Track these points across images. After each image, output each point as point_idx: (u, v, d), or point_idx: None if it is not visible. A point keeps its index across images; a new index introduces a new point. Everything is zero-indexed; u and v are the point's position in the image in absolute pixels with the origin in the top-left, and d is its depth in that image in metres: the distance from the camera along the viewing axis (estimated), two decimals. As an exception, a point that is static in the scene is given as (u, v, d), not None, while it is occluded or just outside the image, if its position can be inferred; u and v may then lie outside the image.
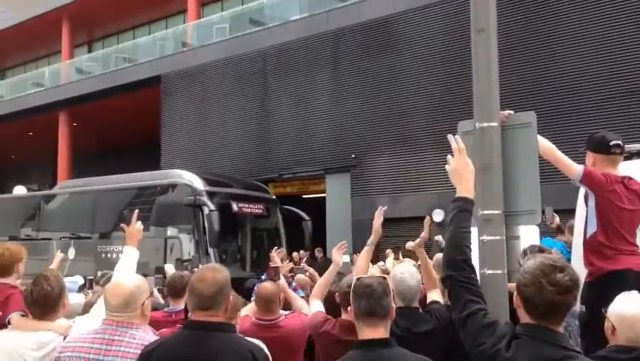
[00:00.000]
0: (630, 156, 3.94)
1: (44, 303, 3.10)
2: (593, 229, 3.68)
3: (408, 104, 16.11)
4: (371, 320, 2.47)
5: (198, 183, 11.77)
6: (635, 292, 3.20)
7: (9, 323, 3.21)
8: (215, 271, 2.59)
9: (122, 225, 3.76)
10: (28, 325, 3.13)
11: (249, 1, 23.31)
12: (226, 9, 23.93)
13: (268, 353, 2.62)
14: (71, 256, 13.16)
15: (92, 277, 6.61)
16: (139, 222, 3.68)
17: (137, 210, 3.79)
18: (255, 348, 2.55)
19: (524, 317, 2.08)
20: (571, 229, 4.79)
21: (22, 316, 3.25)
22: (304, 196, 19.30)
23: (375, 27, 16.99)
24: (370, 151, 16.74)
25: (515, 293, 2.10)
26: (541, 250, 2.24)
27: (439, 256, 5.21)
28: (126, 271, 3.28)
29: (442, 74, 15.45)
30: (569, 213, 5.20)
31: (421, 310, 3.66)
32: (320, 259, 14.64)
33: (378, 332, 2.47)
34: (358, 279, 2.65)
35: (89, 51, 30.89)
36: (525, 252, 3.59)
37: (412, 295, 3.54)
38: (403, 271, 3.61)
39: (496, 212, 3.46)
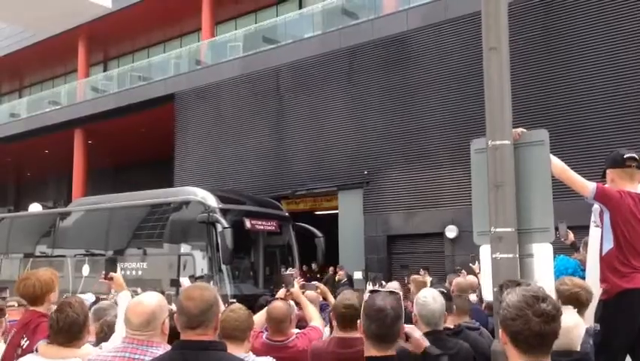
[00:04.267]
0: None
1: (69, 330, 3.11)
2: (609, 245, 3.66)
3: (420, 121, 16.12)
4: (381, 345, 2.50)
5: (212, 201, 11.83)
6: (569, 307, 3.22)
7: (36, 350, 3.21)
8: (203, 290, 2.58)
9: (103, 279, 4.05)
10: (56, 353, 3.13)
11: (262, 20, 23.57)
12: (240, 27, 24.17)
13: None
14: (85, 274, 13.27)
15: (104, 296, 6.65)
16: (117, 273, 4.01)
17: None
18: None
19: (513, 356, 2.02)
20: (586, 246, 4.75)
21: (49, 343, 3.24)
22: (317, 213, 19.30)
23: (389, 44, 17.07)
24: (383, 168, 16.75)
25: (500, 330, 2.06)
26: (517, 284, 2.30)
27: (459, 279, 5.23)
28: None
29: (454, 91, 15.46)
30: (583, 230, 5.16)
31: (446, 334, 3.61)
32: (340, 276, 14.58)
33: (387, 352, 2.50)
34: (371, 298, 2.61)
35: (105, 70, 31.27)
36: (502, 286, 3.58)
37: (435, 319, 3.49)
38: (426, 295, 3.54)
39: (508, 230, 3.46)
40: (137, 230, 13.37)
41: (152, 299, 2.82)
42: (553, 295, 3.54)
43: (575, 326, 3.13)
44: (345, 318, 3.73)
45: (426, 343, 2.81)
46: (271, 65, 19.60)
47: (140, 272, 12.09)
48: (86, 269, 13.31)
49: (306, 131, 18.49)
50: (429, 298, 3.50)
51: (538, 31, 14.35)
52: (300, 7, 23.26)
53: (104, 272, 4.09)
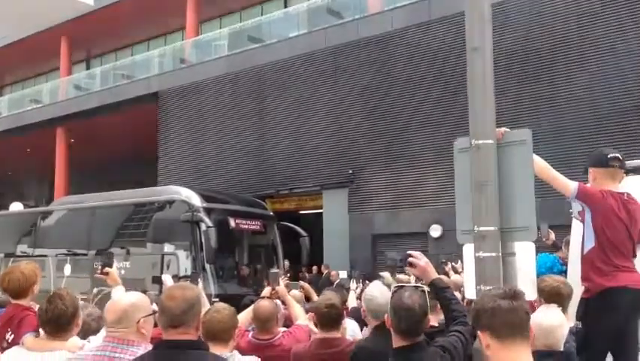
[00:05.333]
0: (628, 172, 3.96)
1: (58, 322, 3.12)
2: (590, 244, 3.70)
3: (405, 121, 16.18)
4: (407, 338, 2.71)
5: (196, 200, 11.76)
6: (553, 306, 3.27)
7: (22, 343, 3.21)
8: (185, 289, 2.58)
9: (99, 274, 4.07)
10: (43, 345, 3.14)
11: (247, 18, 23.49)
12: (224, 26, 24.08)
13: None
14: (67, 273, 13.13)
15: (84, 296, 6.58)
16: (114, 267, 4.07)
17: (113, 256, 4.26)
18: None
19: (495, 351, 2.06)
20: (567, 244, 4.80)
21: (36, 337, 3.25)
22: (301, 212, 19.29)
23: (373, 44, 17.10)
24: (367, 167, 16.78)
25: (480, 334, 2.11)
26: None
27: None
28: None
29: (439, 91, 15.53)
30: (564, 229, 5.21)
31: None
32: (333, 276, 14.56)
33: (415, 340, 2.73)
34: (398, 293, 2.78)
35: (88, 68, 30.99)
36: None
37: (382, 313, 3.56)
38: (372, 290, 3.66)
39: (491, 228, 3.48)
40: (120, 229, 13.24)
41: (127, 297, 2.86)
42: (535, 292, 3.58)
43: (560, 326, 3.16)
44: (327, 318, 3.76)
45: (434, 274, 3.09)
46: (256, 64, 19.56)
47: (122, 272, 11.99)
48: (67, 269, 13.18)
49: (290, 130, 18.47)
50: (375, 292, 3.59)
51: (521, 32, 14.46)
52: (285, 6, 23.23)
53: (100, 265, 4.07)
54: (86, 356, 2.74)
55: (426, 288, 2.90)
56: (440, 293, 3.10)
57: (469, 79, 3.70)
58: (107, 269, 4.01)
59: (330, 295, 4.05)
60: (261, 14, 23.31)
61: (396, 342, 2.73)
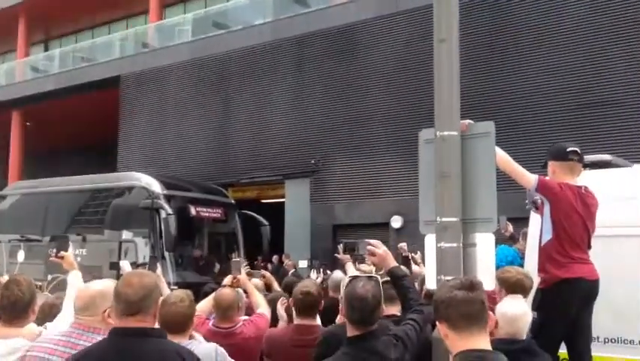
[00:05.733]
0: (586, 166, 4.05)
1: (14, 308, 3.06)
2: (548, 236, 3.77)
3: (369, 111, 16.23)
4: (360, 327, 2.71)
5: (156, 186, 11.59)
6: (519, 296, 3.36)
7: None
8: (142, 276, 2.54)
9: (54, 258, 3.96)
10: None
11: (212, 4, 23.15)
12: (189, 11, 23.69)
13: (199, 358, 2.58)
14: (20, 260, 12.79)
15: (39, 283, 6.41)
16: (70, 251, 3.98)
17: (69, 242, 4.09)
18: (186, 352, 2.50)
19: (453, 341, 2.08)
20: (525, 236, 4.89)
21: None
22: (263, 201, 19.21)
23: (339, 34, 17.08)
24: (330, 157, 16.79)
25: (438, 325, 2.15)
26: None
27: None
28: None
29: (404, 82, 15.62)
30: (522, 221, 5.30)
31: None
32: (288, 266, 14.53)
33: (368, 329, 2.72)
34: (351, 283, 2.77)
35: (46, 50, 30.12)
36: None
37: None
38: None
39: (453, 219, 3.51)
40: (77, 215, 12.98)
41: (96, 285, 2.84)
42: (494, 282, 3.63)
43: (523, 315, 3.21)
44: (304, 305, 3.81)
45: (393, 262, 3.11)
46: (220, 51, 19.32)
47: (79, 259, 11.74)
48: (21, 255, 12.85)
49: (253, 118, 18.34)
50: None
51: (486, 27, 14.65)
52: (252, -8, 22.96)
53: (54, 250, 3.98)
54: (50, 341, 2.73)
55: (379, 277, 2.92)
56: (398, 282, 3.15)
57: (436, 70, 3.71)
58: (62, 253, 3.92)
59: (307, 283, 4.09)
60: (226, 0, 23.00)
61: (350, 331, 2.74)
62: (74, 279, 3.78)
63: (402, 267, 3.45)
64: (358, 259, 5.73)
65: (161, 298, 3.32)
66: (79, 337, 2.68)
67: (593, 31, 13.39)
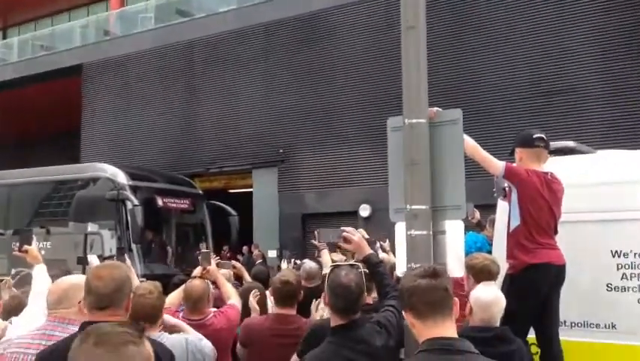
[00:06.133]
0: (552, 152, 4.11)
1: None
2: (515, 222, 3.81)
3: (337, 99, 16.22)
4: (344, 316, 2.74)
5: (122, 177, 11.41)
6: (492, 283, 3.41)
7: None
8: (113, 268, 2.50)
9: (18, 252, 3.93)
10: None
11: (175, -9, 22.75)
12: (151, -2, 23.27)
13: (174, 355, 2.58)
14: (-18, 254, 12.47)
15: (2, 278, 6.24)
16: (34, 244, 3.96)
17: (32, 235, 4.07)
18: (160, 348, 2.45)
19: (420, 331, 2.09)
20: (492, 223, 4.95)
21: None
22: (231, 191, 19.09)
23: (306, 21, 16.98)
24: (298, 146, 16.75)
25: (404, 314, 2.16)
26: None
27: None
28: (44, 288, 3.32)
29: (371, 70, 15.63)
30: (489, 208, 5.36)
31: None
32: (256, 256, 14.46)
33: (352, 318, 2.75)
34: (334, 272, 2.80)
35: (4, 38, 29.29)
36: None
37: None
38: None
39: (423, 207, 3.52)
40: (40, 208, 12.71)
41: (68, 279, 2.86)
42: (463, 269, 3.66)
43: (495, 301, 3.24)
44: (283, 294, 3.81)
45: (368, 250, 3.17)
46: (184, 39, 19.04)
47: (43, 252, 11.48)
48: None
49: (219, 107, 18.16)
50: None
51: (452, 15, 14.75)
52: (216, -21, 22.63)
53: (17, 244, 3.92)
54: (26, 336, 2.72)
55: (362, 267, 2.94)
56: (374, 268, 3.18)
57: (404, 57, 3.70)
58: (26, 247, 3.83)
59: (285, 273, 4.09)
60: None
61: (334, 320, 2.76)
62: (39, 273, 3.73)
63: (376, 254, 3.48)
64: (330, 248, 5.74)
65: None
66: (54, 328, 2.66)
67: (557, 19, 13.60)
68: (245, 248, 15.87)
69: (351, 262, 3.30)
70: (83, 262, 8.37)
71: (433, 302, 2.06)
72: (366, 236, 6.65)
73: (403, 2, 3.79)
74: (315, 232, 5.79)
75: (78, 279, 2.81)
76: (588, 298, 4.03)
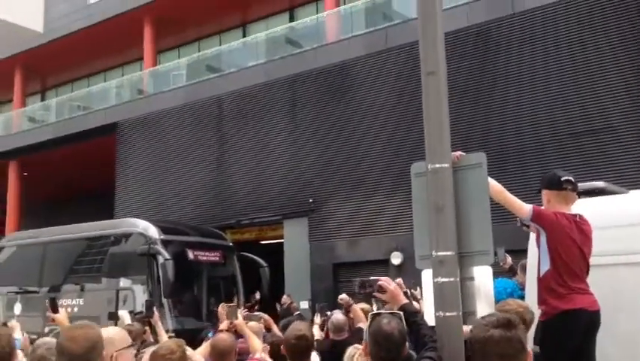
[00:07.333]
0: (581, 194, 4.01)
1: None
2: (546, 267, 3.70)
3: (363, 148, 16.27)
4: None
5: (153, 232, 11.51)
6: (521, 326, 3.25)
7: None
8: (87, 328, 2.48)
9: (51, 316, 4.14)
10: None
11: (205, 48, 23.45)
12: (183, 56, 23.99)
13: None
14: (17, 312, 12.61)
15: (34, 336, 6.28)
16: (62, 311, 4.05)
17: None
18: None
19: None
20: (523, 268, 4.81)
21: None
22: (262, 242, 19.09)
23: (331, 72, 17.24)
24: (327, 195, 16.75)
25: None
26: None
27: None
28: None
29: (397, 118, 15.68)
30: (521, 254, 5.23)
31: None
32: (293, 308, 14.23)
33: None
34: (376, 320, 2.78)
35: (42, 99, 30.39)
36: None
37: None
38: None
39: (449, 253, 3.44)
40: (74, 265, 12.86)
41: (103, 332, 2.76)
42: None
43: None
44: (297, 350, 3.67)
45: (404, 299, 3.11)
46: (214, 94, 19.48)
47: (76, 309, 11.58)
48: (18, 307, 12.67)
49: (249, 160, 18.37)
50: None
51: (474, 59, 14.79)
52: (244, 35, 23.31)
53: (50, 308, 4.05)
54: None
55: (402, 315, 2.90)
56: (411, 318, 3.11)
57: (425, 103, 3.70)
58: (51, 315, 3.93)
59: (300, 326, 3.96)
60: (219, 44, 23.30)
61: None
62: None
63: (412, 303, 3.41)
64: (357, 298, 5.64)
65: (152, 349, 3.25)
66: None
67: (584, 58, 13.49)
68: (284, 298, 15.51)
69: (394, 310, 3.22)
70: (114, 317, 8.39)
71: (507, 355, 1.95)
72: (404, 288, 6.56)
73: (421, 49, 3.82)
74: (355, 282, 5.69)
75: (109, 332, 2.75)
76: (627, 344, 3.85)
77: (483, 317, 2.17)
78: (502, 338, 1.96)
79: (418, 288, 6.17)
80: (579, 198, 3.94)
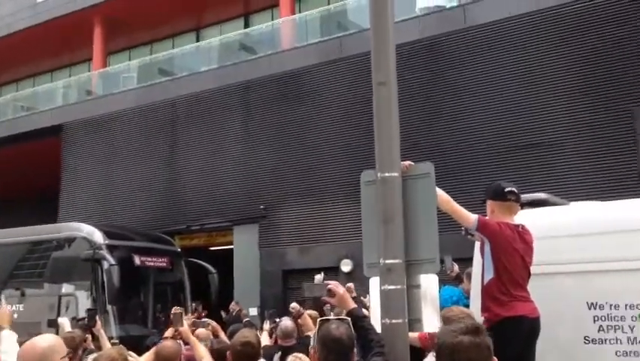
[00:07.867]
0: (524, 205, 4.13)
1: None
2: (489, 275, 3.80)
3: (316, 156, 16.33)
4: None
5: (97, 236, 11.22)
6: None
7: None
8: (39, 341, 2.47)
9: None
10: None
11: (157, 51, 23.12)
12: (134, 58, 23.58)
13: None
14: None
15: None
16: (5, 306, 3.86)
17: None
18: None
19: None
20: (469, 276, 4.92)
21: None
22: (212, 248, 18.89)
23: (285, 80, 17.26)
24: (279, 202, 16.73)
25: None
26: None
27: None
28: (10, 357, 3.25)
29: (348, 126, 15.82)
30: (467, 262, 5.35)
31: None
32: (236, 314, 14.13)
33: None
34: (325, 326, 2.80)
35: (-16, 98, 29.32)
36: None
37: None
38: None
39: (397, 261, 3.49)
40: (15, 269, 12.42)
41: (41, 341, 2.65)
42: (439, 323, 3.61)
43: None
44: (243, 356, 3.64)
45: (352, 303, 3.14)
46: (166, 98, 19.21)
47: (16, 315, 11.16)
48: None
49: (200, 165, 18.18)
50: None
51: (426, 71, 15.07)
52: (198, 40, 23.09)
53: None
54: None
55: (350, 320, 2.94)
56: (358, 323, 3.13)
57: (375, 112, 3.75)
58: None
59: (246, 333, 3.93)
60: (172, 47, 23.03)
61: None
62: (5, 338, 3.70)
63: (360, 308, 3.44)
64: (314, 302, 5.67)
65: (93, 357, 3.18)
66: None
67: (530, 74, 13.92)
68: (232, 305, 15.37)
69: (342, 316, 3.25)
70: (54, 325, 8.12)
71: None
72: (354, 293, 6.63)
73: (374, 59, 3.87)
74: (303, 285, 5.71)
75: (51, 340, 2.67)
76: (566, 351, 3.98)
77: (449, 323, 2.19)
78: (472, 344, 1.97)
79: (368, 295, 6.22)
80: (522, 208, 4.06)
